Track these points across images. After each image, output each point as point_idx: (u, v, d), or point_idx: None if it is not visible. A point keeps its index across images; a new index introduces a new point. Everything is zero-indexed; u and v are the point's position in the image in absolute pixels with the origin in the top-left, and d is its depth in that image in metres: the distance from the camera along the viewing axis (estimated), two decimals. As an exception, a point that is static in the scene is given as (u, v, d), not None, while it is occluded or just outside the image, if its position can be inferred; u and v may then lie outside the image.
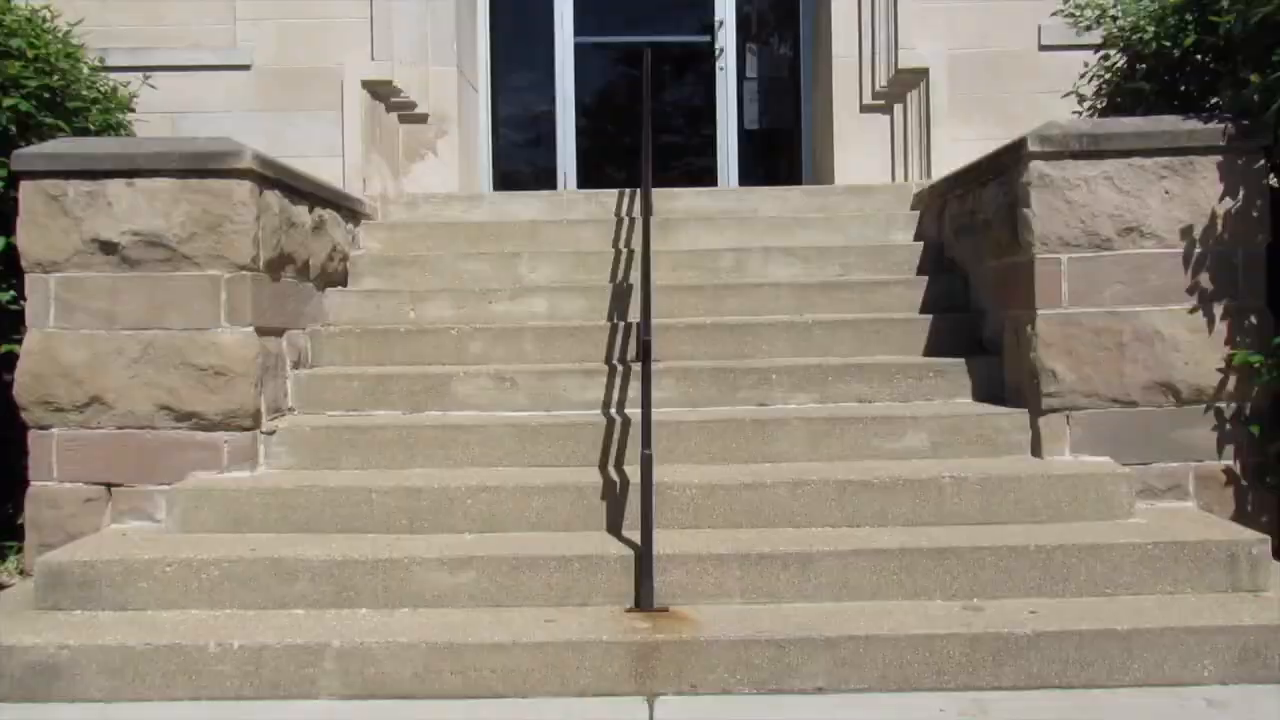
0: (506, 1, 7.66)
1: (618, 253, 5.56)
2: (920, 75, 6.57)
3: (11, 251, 4.25)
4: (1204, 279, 4.07)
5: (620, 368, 4.60)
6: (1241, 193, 4.05)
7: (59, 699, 3.19)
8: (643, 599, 3.43)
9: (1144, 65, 4.62)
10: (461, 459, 4.19)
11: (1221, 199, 4.05)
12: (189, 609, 3.50)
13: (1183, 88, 4.51)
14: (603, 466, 4.08)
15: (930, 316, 4.89)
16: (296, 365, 4.65)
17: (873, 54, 6.66)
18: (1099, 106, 5.02)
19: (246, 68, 6.61)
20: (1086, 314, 4.09)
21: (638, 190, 5.86)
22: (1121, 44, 4.79)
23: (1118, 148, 4.07)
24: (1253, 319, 4.07)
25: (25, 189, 4.11)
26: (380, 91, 6.63)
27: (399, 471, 4.14)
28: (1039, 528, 3.73)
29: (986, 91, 6.59)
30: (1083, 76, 5.07)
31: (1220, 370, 4.06)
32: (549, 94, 7.67)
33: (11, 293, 4.43)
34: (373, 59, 6.58)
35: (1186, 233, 4.07)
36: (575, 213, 6.17)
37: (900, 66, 6.53)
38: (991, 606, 3.40)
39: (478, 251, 5.65)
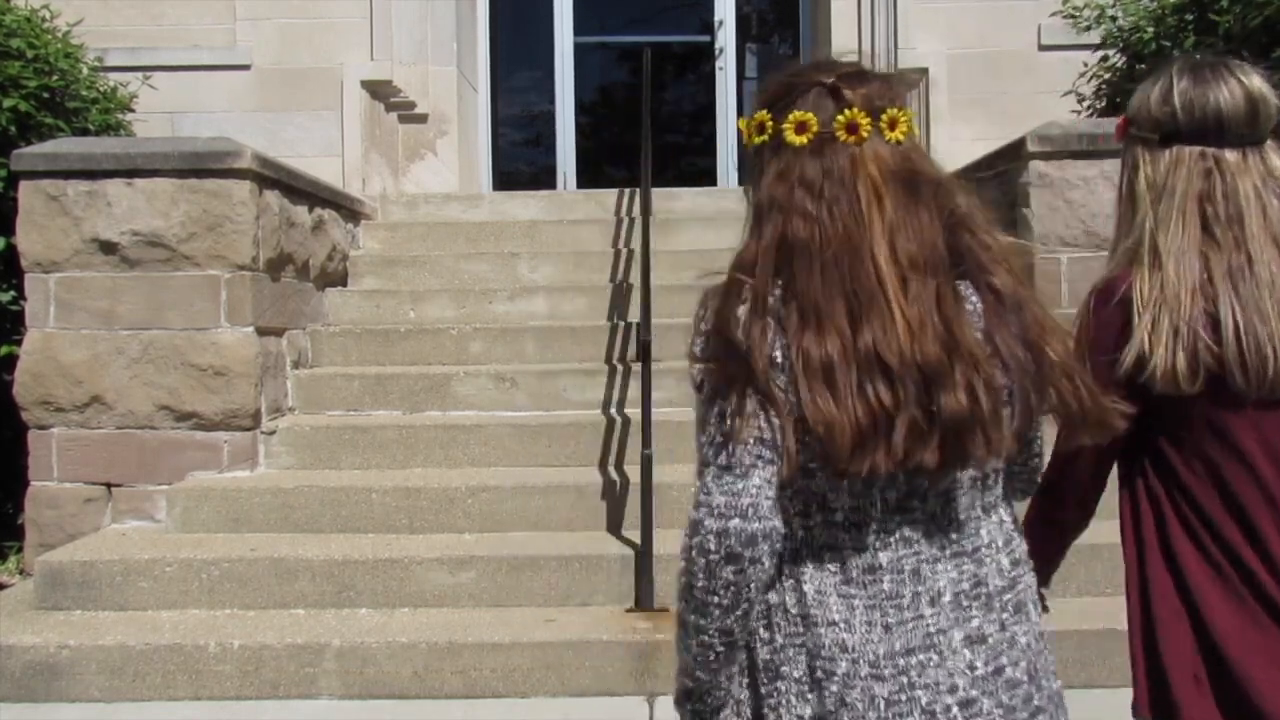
0: (506, 1, 7.66)
1: (617, 253, 5.56)
2: (920, 75, 6.56)
3: (11, 251, 4.25)
4: (1204, 279, 4.07)
5: (620, 368, 4.60)
6: (1241, 192, 4.05)
7: (59, 699, 3.19)
8: (643, 599, 3.43)
9: (1143, 65, 4.62)
10: (461, 459, 4.19)
11: (1221, 199, 4.05)
12: (189, 609, 3.50)
13: (1182, 87, 4.51)
14: (603, 466, 4.08)
15: (930, 316, 4.88)
16: (296, 365, 4.65)
17: (873, 54, 6.65)
18: (1098, 106, 5.02)
19: (246, 68, 6.60)
20: (1086, 314, 4.09)
21: (637, 190, 5.85)
22: (1121, 44, 4.79)
23: (1118, 148, 4.07)
24: (1253, 319, 4.07)
25: (25, 189, 4.11)
26: (380, 91, 6.63)
27: (399, 471, 4.14)
28: (1039, 527, 3.73)
29: (986, 91, 6.59)
30: (1082, 76, 5.07)
31: (1220, 370, 4.06)
32: (549, 94, 7.67)
33: (12, 293, 4.43)
34: (372, 59, 6.57)
35: (1186, 232, 4.07)
36: (575, 213, 6.16)
37: (900, 66, 6.52)
38: (991, 606, 3.40)
39: (477, 251, 5.65)
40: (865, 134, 1.14)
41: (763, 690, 1.16)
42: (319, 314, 5.03)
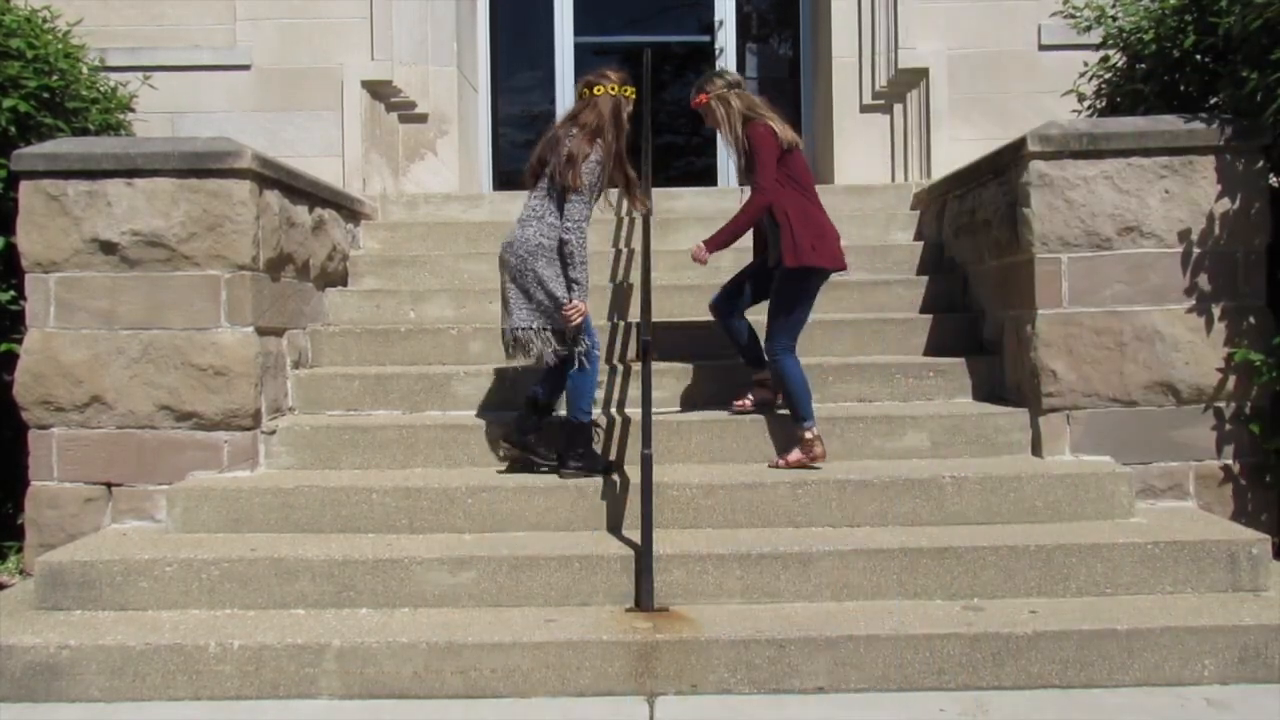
0: (506, 1, 7.66)
1: (617, 252, 5.57)
2: (920, 75, 6.57)
3: (11, 251, 4.26)
4: (1204, 279, 4.08)
5: (620, 367, 4.60)
6: (1241, 192, 4.06)
7: (59, 699, 3.19)
8: (643, 599, 3.43)
9: (1143, 65, 4.62)
10: (461, 459, 4.20)
11: (1221, 199, 4.06)
12: (189, 609, 3.50)
13: (1182, 88, 4.51)
14: (603, 466, 4.07)
15: (930, 316, 4.89)
16: (297, 365, 4.65)
17: (873, 54, 6.66)
18: (1099, 106, 5.01)
19: (246, 68, 6.61)
20: (1087, 314, 4.10)
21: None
22: (1121, 44, 4.79)
23: (1117, 147, 4.07)
24: (1252, 319, 4.07)
25: (25, 189, 4.11)
26: (380, 91, 6.63)
27: (399, 471, 4.14)
28: (1039, 527, 3.73)
29: (986, 91, 6.59)
30: (1082, 76, 5.06)
31: (1220, 370, 4.06)
32: (549, 94, 7.67)
33: (11, 293, 4.43)
34: (372, 59, 6.58)
35: (1186, 232, 4.07)
36: (575, 212, 6.14)
37: (900, 66, 6.53)
38: (992, 606, 3.40)
39: (478, 251, 5.65)
40: (601, 92, 4.07)
41: None
42: (319, 314, 5.04)
